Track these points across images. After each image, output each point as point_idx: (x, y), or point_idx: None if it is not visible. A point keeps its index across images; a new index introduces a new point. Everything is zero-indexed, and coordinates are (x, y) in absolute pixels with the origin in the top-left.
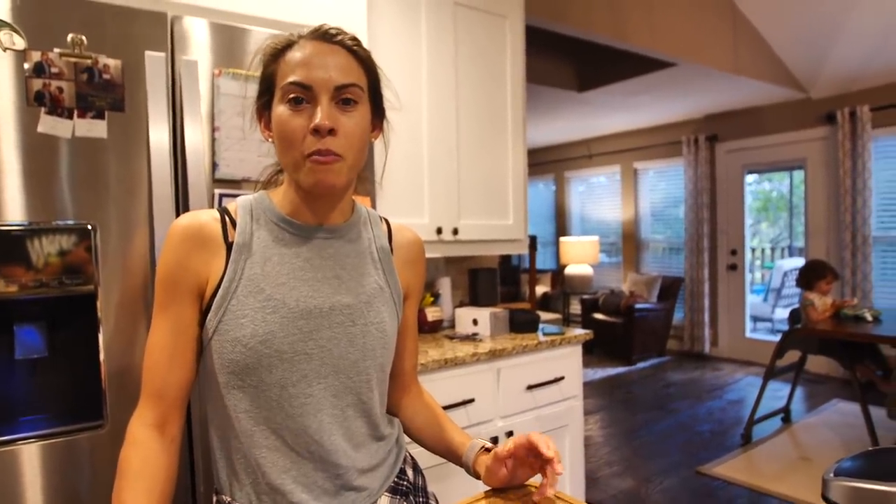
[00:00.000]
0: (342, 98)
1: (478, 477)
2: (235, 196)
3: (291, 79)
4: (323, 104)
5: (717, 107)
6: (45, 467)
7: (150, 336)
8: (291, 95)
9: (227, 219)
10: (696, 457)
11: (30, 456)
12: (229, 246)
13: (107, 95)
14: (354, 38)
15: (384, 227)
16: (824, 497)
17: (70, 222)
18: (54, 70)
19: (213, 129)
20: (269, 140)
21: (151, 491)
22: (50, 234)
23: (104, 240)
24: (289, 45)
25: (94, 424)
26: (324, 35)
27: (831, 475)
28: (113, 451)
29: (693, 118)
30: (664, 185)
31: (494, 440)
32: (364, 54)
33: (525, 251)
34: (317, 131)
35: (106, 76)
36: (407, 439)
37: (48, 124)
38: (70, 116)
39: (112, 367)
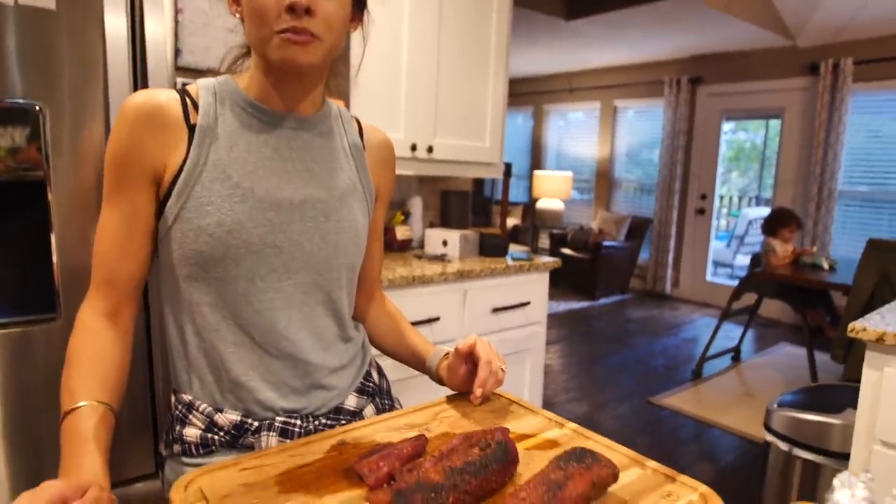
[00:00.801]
0: None
1: (441, 381)
2: None
3: None
4: None
5: (704, 48)
6: None
7: (100, 223)
8: None
9: (187, 100)
10: (648, 388)
11: None
12: (191, 128)
13: None
14: None
15: (355, 125)
16: (766, 426)
17: (18, 101)
18: None
19: (176, 12)
20: (237, 16)
21: (104, 381)
22: None
23: (55, 125)
24: None
25: (48, 317)
26: None
27: (774, 406)
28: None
29: (678, 57)
30: (642, 125)
31: None
32: None
33: (499, 176)
34: (292, 9)
35: None
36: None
37: None
38: None
39: (65, 260)
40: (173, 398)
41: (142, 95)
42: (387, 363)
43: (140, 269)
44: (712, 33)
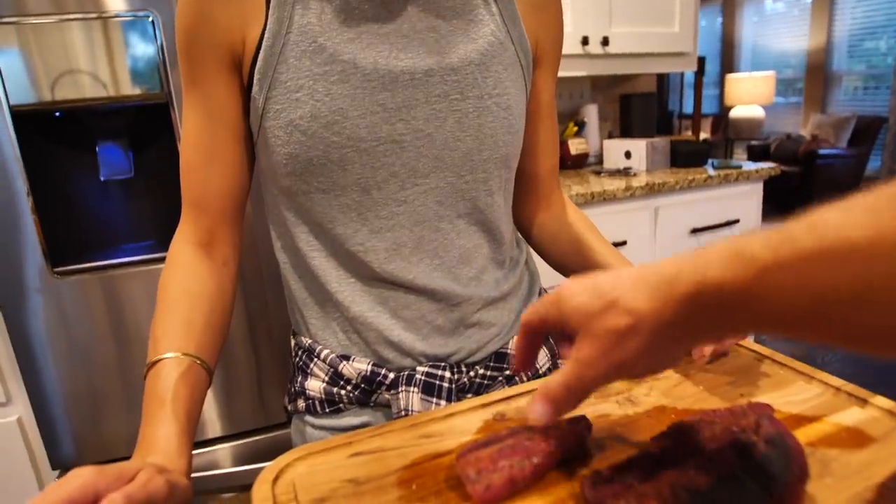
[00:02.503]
0: None
1: None
2: None
3: None
4: None
5: None
6: (148, 293)
7: (183, 129)
8: None
9: None
10: None
11: (131, 281)
12: None
13: None
14: None
15: None
16: None
17: (132, 14)
18: None
19: None
20: None
21: (191, 326)
22: (108, 25)
23: (169, 37)
24: None
25: None
26: None
27: None
28: None
29: None
30: (870, 3)
31: None
32: None
33: (692, 68)
34: None
35: None
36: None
37: None
38: None
39: None
40: (293, 342)
41: None
42: None
43: (234, 183)
44: None
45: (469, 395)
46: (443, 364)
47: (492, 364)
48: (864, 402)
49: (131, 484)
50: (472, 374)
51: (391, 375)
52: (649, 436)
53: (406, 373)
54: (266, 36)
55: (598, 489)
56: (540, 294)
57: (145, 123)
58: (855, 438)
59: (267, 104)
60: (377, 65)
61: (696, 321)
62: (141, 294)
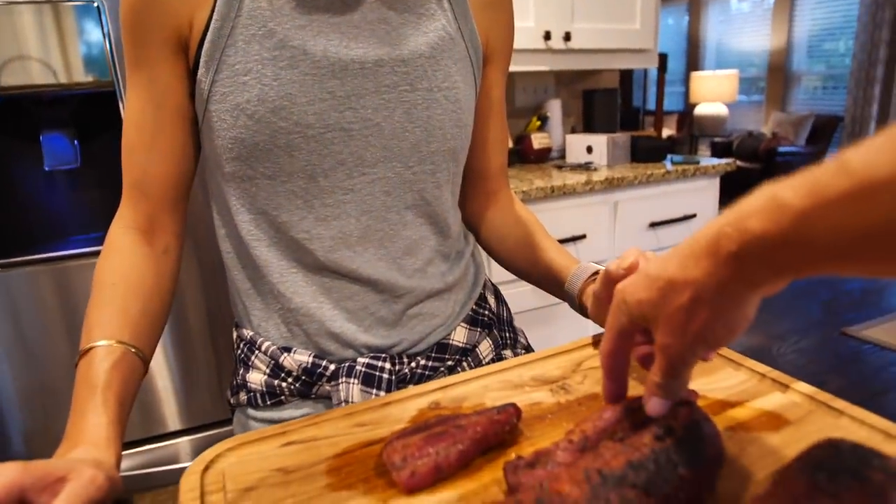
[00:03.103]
0: None
1: (583, 311)
2: None
3: None
4: None
5: None
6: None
7: (125, 110)
8: None
9: None
10: (841, 316)
11: (81, 273)
12: None
13: None
14: None
15: None
16: None
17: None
18: None
19: None
20: None
21: (126, 313)
22: (59, 10)
23: (116, 24)
24: None
25: None
26: None
27: None
28: None
29: None
30: (829, 4)
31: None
32: None
33: (653, 65)
34: None
35: None
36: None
37: None
38: None
39: None
40: (234, 334)
41: None
42: (509, 291)
43: (176, 169)
44: None
45: (409, 386)
46: (384, 355)
47: (433, 355)
48: (785, 387)
49: (69, 490)
50: (413, 364)
51: (332, 367)
52: (576, 426)
53: (347, 364)
54: (214, 18)
55: (517, 474)
56: (485, 286)
57: (92, 112)
58: (773, 422)
59: (213, 87)
60: (327, 52)
61: (749, 274)
62: (90, 287)
